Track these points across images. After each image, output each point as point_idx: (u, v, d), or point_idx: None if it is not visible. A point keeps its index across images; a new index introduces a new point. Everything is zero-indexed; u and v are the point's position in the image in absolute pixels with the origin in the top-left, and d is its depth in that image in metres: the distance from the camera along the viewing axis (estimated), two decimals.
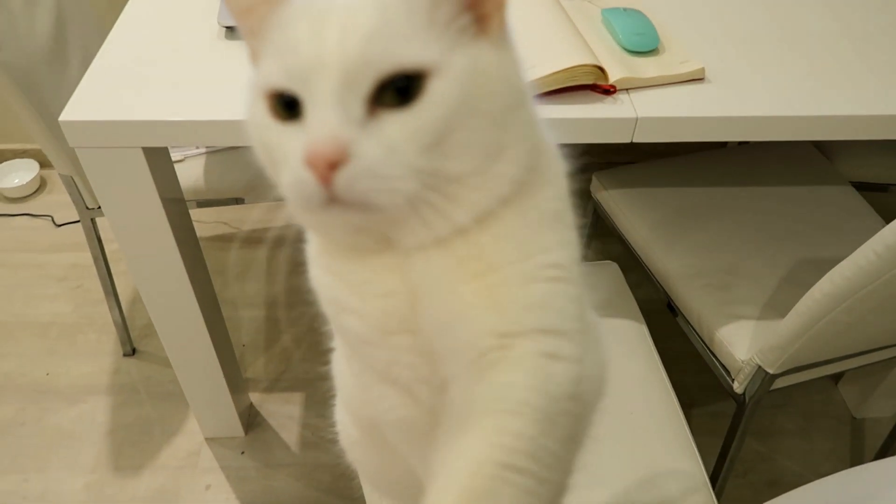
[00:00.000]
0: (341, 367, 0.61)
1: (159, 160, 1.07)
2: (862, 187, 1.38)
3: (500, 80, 0.37)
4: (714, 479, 1.21)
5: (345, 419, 0.69)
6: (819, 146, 1.47)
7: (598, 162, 1.44)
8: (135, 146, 0.98)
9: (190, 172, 1.38)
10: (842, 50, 1.09)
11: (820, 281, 0.89)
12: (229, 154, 1.42)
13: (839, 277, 0.86)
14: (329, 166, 0.34)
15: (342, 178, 0.34)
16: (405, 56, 0.34)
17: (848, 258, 0.84)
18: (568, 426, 0.39)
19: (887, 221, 0.80)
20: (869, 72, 1.05)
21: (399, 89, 0.35)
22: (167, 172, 1.12)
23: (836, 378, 1.63)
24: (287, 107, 0.37)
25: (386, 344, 0.44)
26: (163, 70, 1.03)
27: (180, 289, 1.22)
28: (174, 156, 1.36)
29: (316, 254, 0.48)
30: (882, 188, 1.50)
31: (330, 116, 0.34)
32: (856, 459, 1.50)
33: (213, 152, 1.42)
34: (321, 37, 0.34)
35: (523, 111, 0.40)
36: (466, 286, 0.39)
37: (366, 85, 0.34)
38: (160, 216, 1.10)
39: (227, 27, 1.09)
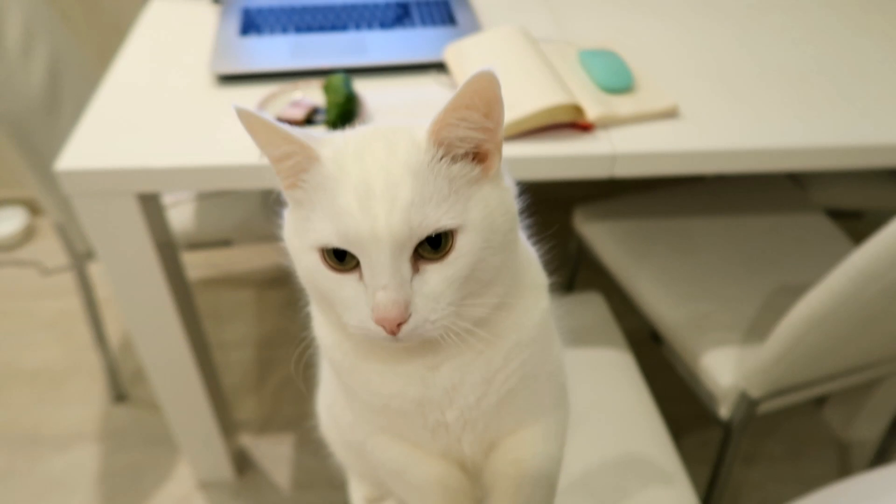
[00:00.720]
0: (330, 379, 0.65)
1: (152, 206, 1.09)
2: (835, 215, 1.42)
3: (503, 214, 0.46)
4: None
5: (328, 419, 0.71)
6: (792, 176, 1.52)
7: (580, 196, 1.48)
8: (129, 192, 1.01)
9: (180, 217, 1.40)
10: (811, 83, 1.15)
11: (796, 306, 0.92)
12: (218, 198, 1.44)
13: (815, 302, 0.89)
14: (397, 325, 0.43)
15: (406, 330, 0.44)
16: (439, 221, 0.43)
17: (822, 283, 0.88)
18: (560, 452, 0.59)
19: None
20: (838, 103, 1.10)
21: (431, 241, 0.44)
22: (159, 217, 1.14)
23: (821, 402, 1.66)
24: (337, 257, 0.45)
25: (385, 414, 0.55)
26: (156, 117, 1.06)
27: (172, 332, 1.22)
28: (166, 200, 1.38)
29: (332, 345, 0.55)
30: (855, 215, 1.54)
31: (391, 283, 0.42)
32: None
33: (202, 198, 1.44)
34: (371, 211, 0.42)
35: (517, 230, 0.49)
36: (501, 400, 0.53)
37: (410, 247, 0.43)
38: (153, 261, 1.11)
39: (220, 76, 1.13)
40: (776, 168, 1.05)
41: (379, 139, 0.46)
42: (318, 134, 0.47)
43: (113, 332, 1.75)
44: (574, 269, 1.57)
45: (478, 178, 0.45)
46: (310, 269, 0.46)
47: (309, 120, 1.03)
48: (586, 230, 1.41)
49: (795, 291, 0.95)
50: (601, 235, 1.38)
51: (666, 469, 1.00)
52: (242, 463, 1.54)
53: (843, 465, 1.56)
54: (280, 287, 1.93)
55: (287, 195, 0.48)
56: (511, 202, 0.47)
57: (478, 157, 0.45)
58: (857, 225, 1.41)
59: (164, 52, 1.22)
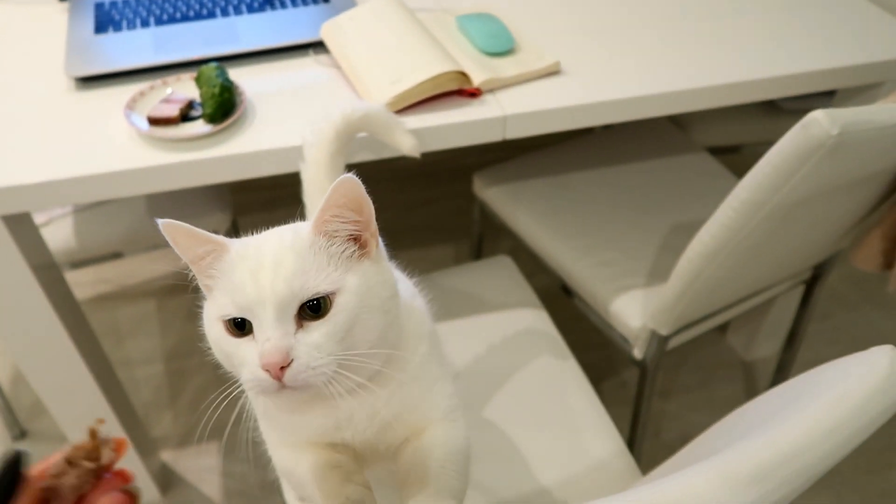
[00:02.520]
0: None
1: (22, 227, 1.00)
2: (716, 151, 1.50)
3: (380, 284, 0.55)
4: (630, 444, 1.27)
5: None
6: (673, 119, 1.59)
7: (477, 164, 1.48)
8: None
9: (58, 234, 1.29)
10: (680, 31, 1.18)
11: (691, 242, 0.96)
12: (99, 209, 1.34)
13: (707, 236, 0.93)
14: (280, 369, 0.50)
15: (289, 375, 0.50)
16: (317, 287, 0.51)
17: (711, 218, 0.92)
18: (465, 454, 0.64)
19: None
20: (706, 47, 1.14)
21: (312, 306, 0.51)
22: (33, 238, 1.05)
23: (724, 329, 1.76)
24: (237, 326, 0.53)
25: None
26: (12, 131, 0.97)
27: (66, 358, 1.15)
28: (38, 219, 1.27)
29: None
30: (734, 150, 1.63)
31: (274, 334, 0.50)
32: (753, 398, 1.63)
33: (80, 210, 1.34)
34: (258, 281, 0.50)
35: (396, 298, 0.58)
36: (388, 425, 0.62)
37: (293, 309, 0.51)
38: (32, 286, 1.03)
39: (78, 78, 1.04)
40: (656, 113, 1.08)
41: (274, 234, 0.55)
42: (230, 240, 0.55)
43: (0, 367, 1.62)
44: (479, 235, 1.58)
45: (357, 256, 0.54)
46: (217, 339, 0.54)
47: (185, 116, 0.97)
48: (486, 195, 1.42)
49: (689, 229, 0.99)
50: (501, 198, 1.39)
51: (591, 415, 1.03)
52: (167, 480, 1.47)
53: (749, 384, 1.67)
54: (181, 294, 1.84)
55: (203, 286, 0.56)
56: (389, 276, 0.57)
57: (358, 241, 0.55)
58: (736, 159, 1.49)
59: (11, 59, 1.12)
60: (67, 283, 1.16)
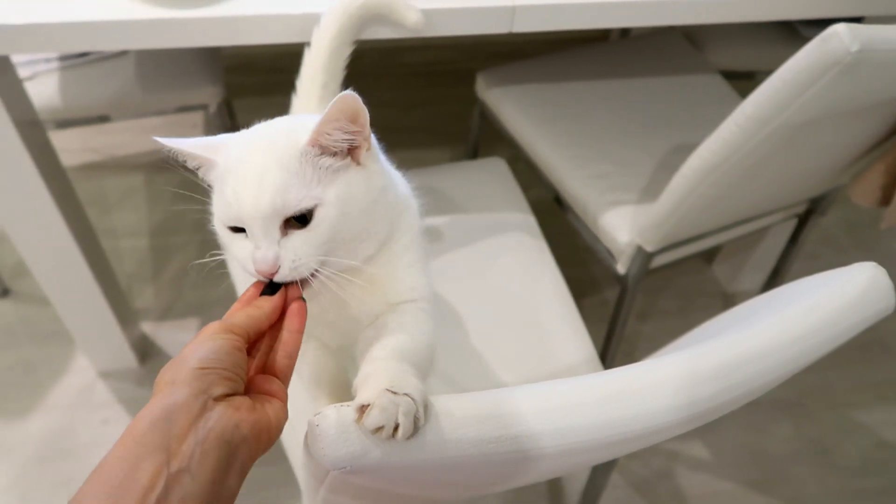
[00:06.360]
0: None
1: (4, 76, 0.97)
2: (730, 76, 1.45)
3: (363, 190, 0.58)
4: (602, 359, 1.29)
5: None
6: (689, 37, 1.53)
7: (482, 67, 1.43)
8: None
9: (43, 90, 1.25)
10: None
11: (689, 157, 0.94)
12: (86, 69, 1.30)
13: (706, 152, 0.91)
14: (270, 272, 0.55)
15: (278, 277, 0.56)
16: (299, 204, 0.55)
17: (713, 133, 0.89)
18: (428, 339, 0.65)
19: None
20: None
21: (297, 218, 0.55)
22: (16, 90, 1.02)
23: (710, 259, 1.76)
24: (235, 229, 0.58)
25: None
26: None
27: (50, 221, 1.13)
28: (22, 73, 1.23)
29: None
30: (748, 76, 1.58)
31: (262, 244, 0.55)
32: None
33: (67, 67, 1.29)
34: (242, 198, 0.54)
35: (384, 197, 0.61)
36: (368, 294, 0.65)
37: (277, 222, 0.55)
38: (14, 141, 1.00)
39: None
40: (673, 21, 1.04)
41: (264, 139, 0.58)
42: (219, 138, 0.59)
43: None
44: (476, 141, 1.55)
45: (346, 165, 0.57)
46: (219, 230, 0.60)
47: None
48: (488, 96, 1.38)
49: (690, 150, 0.96)
50: (503, 101, 1.35)
51: (567, 325, 1.04)
52: (145, 350, 1.50)
53: None
54: (170, 171, 1.81)
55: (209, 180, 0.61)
56: (375, 179, 0.59)
57: (350, 151, 0.57)
58: (749, 85, 1.44)
59: None
60: (52, 144, 1.13)
